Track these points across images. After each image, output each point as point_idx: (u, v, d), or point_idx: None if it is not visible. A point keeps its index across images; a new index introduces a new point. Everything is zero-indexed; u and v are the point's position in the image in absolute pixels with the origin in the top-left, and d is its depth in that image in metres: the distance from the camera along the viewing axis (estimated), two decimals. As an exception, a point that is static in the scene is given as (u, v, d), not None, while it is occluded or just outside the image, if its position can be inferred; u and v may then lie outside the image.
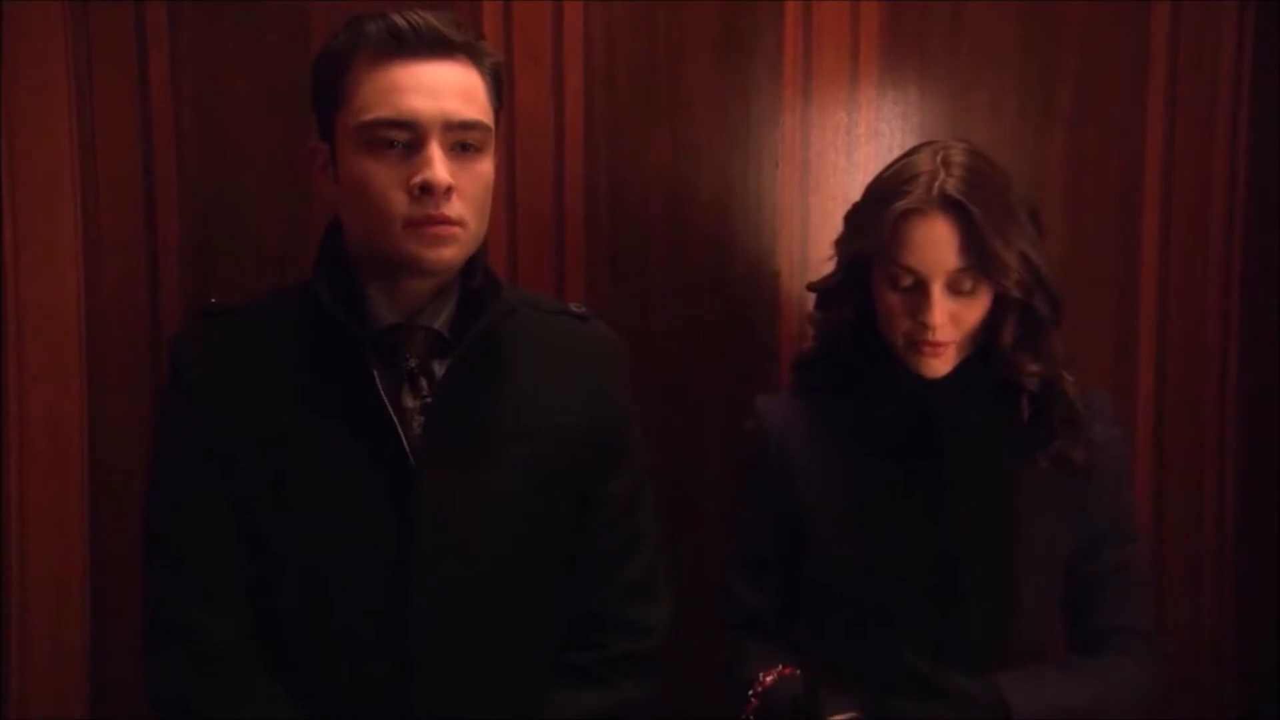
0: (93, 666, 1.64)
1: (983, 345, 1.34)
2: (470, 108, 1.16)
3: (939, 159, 1.29)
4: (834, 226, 1.68)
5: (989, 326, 1.33)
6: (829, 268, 1.42)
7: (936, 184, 1.27)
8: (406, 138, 1.13)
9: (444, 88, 1.14)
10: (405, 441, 1.16)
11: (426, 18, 1.14)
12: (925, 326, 1.29)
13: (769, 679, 1.34)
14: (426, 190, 1.13)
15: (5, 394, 1.56)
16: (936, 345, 1.30)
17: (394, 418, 1.16)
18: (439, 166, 1.13)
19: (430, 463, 1.17)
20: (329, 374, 1.18)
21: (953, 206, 1.27)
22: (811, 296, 1.45)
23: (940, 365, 1.32)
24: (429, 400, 1.19)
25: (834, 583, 1.37)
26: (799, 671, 1.35)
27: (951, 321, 1.29)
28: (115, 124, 1.63)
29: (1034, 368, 1.33)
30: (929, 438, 1.33)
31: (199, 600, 1.16)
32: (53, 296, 1.60)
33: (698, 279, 1.74)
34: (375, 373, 1.16)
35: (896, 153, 1.71)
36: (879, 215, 1.31)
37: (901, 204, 1.28)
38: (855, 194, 1.42)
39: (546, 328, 1.30)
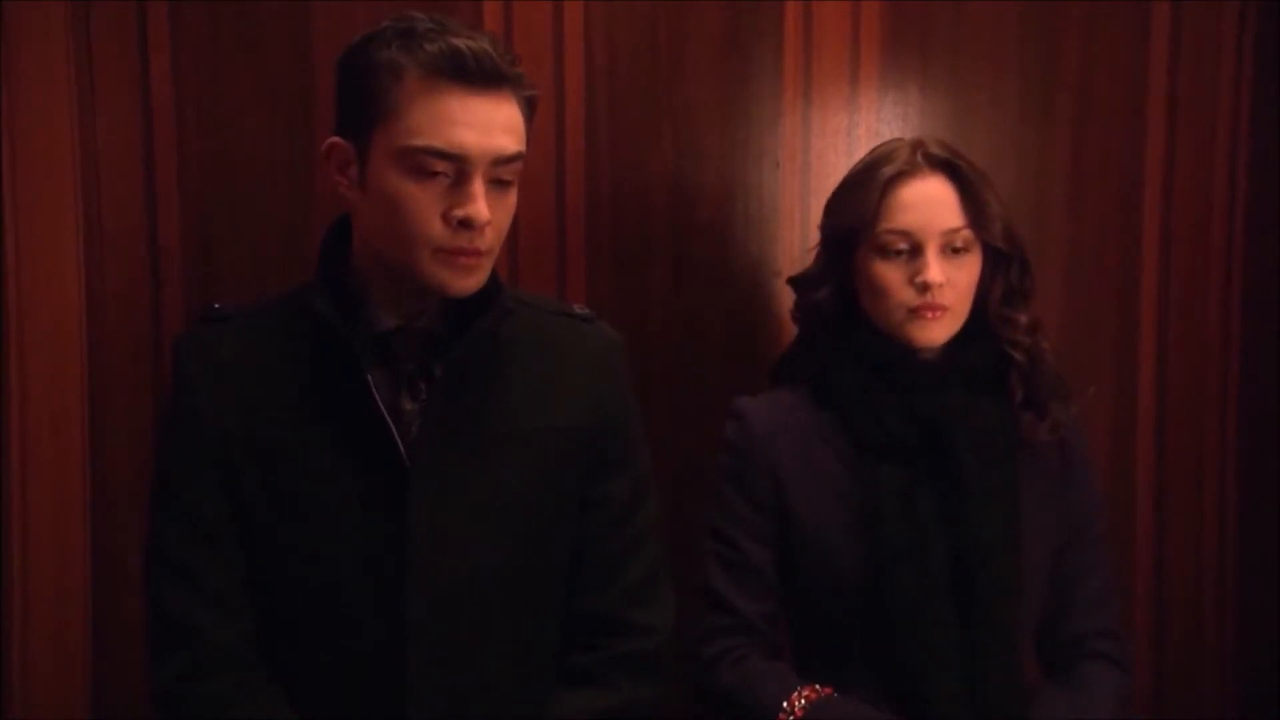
0: (94, 667, 1.64)
1: (967, 329, 1.34)
2: (515, 142, 1.16)
3: (913, 139, 1.35)
4: (835, 227, 1.70)
5: (976, 296, 1.34)
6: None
7: (920, 150, 1.32)
8: (453, 170, 1.13)
9: (495, 124, 1.14)
10: (400, 445, 1.16)
11: (484, 46, 1.13)
12: (926, 287, 1.29)
13: (800, 703, 1.30)
14: (466, 224, 1.13)
15: (7, 394, 1.56)
16: (936, 309, 1.30)
17: (389, 421, 1.16)
18: (482, 203, 1.13)
19: (425, 465, 1.17)
20: (327, 378, 1.18)
21: (942, 165, 1.31)
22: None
23: (939, 330, 1.32)
24: (426, 403, 1.19)
25: (840, 592, 1.34)
26: (835, 692, 1.31)
27: (949, 284, 1.30)
28: (117, 124, 1.63)
29: (1025, 319, 1.35)
30: (934, 436, 1.32)
31: (199, 602, 1.17)
32: (54, 297, 1.60)
33: (698, 279, 1.74)
34: (369, 376, 1.16)
35: (898, 153, 1.72)
36: (866, 186, 1.32)
37: (889, 169, 1.31)
38: (857, 194, 1.43)
39: (547, 329, 1.30)
